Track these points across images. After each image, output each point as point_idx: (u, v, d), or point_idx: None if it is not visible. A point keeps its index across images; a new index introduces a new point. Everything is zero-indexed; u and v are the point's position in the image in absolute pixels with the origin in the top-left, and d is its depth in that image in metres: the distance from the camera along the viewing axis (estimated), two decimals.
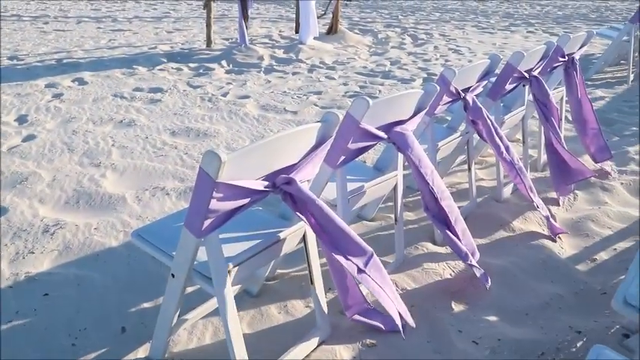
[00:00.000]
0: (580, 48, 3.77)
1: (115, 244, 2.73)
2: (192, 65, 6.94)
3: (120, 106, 5.12)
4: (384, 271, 1.87)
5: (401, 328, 1.94)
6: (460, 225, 2.39)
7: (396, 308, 1.93)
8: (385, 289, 1.88)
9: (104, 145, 4.08)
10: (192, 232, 1.50)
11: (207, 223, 1.46)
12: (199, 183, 1.39)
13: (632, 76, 6.45)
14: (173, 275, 1.67)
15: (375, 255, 1.83)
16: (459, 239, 2.37)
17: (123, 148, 4.05)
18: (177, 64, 6.98)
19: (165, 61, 7.19)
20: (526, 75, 3.16)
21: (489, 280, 2.39)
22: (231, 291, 1.63)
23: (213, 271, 1.58)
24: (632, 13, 6.50)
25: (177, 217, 1.98)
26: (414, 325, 2.05)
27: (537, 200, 2.93)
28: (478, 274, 2.36)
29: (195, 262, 1.65)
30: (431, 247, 2.73)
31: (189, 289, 2.32)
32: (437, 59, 7.68)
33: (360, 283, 1.81)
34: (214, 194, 1.39)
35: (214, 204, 1.41)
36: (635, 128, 4.71)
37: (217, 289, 1.59)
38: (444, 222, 2.37)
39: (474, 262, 2.36)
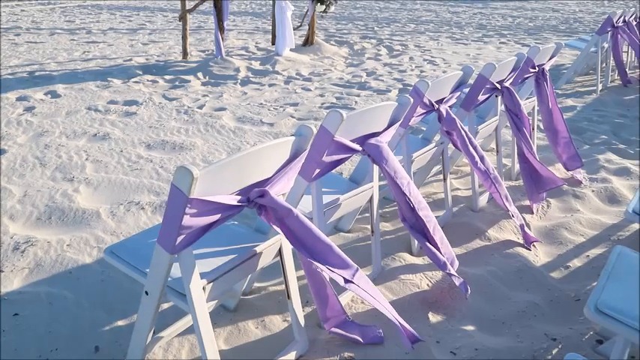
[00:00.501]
0: (550, 59, 3.86)
1: (89, 261, 2.68)
2: (167, 77, 6.89)
3: (94, 119, 5.05)
4: (370, 283, 1.87)
5: (408, 341, 1.95)
6: (438, 234, 2.40)
7: (395, 317, 1.93)
8: (379, 298, 1.89)
9: (78, 160, 4.02)
10: (166, 248, 1.48)
11: (180, 239, 1.45)
12: (172, 199, 1.38)
13: (600, 86, 6.61)
14: (147, 293, 1.64)
15: (359, 269, 1.82)
16: (438, 248, 2.39)
17: (97, 162, 3.99)
18: (153, 77, 6.93)
19: (141, 73, 7.13)
20: (498, 86, 3.22)
21: (469, 289, 2.41)
22: (206, 307, 1.61)
23: (187, 288, 1.56)
24: (599, 25, 6.67)
25: (151, 232, 1.96)
26: (413, 332, 2.05)
27: (513, 209, 2.97)
28: (457, 283, 2.37)
29: (169, 279, 1.63)
30: (408, 257, 2.74)
31: (165, 306, 2.29)
32: (412, 70, 7.76)
33: (349, 290, 1.80)
34: (187, 210, 1.38)
35: (187, 220, 1.40)
36: (604, 136, 4.82)
37: (192, 306, 1.57)
38: (422, 232, 2.38)
39: (452, 272, 2.38)
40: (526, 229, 2.96)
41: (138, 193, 3.48)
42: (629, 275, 1.87)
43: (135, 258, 1.77)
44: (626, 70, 7.13)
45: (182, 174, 1.33)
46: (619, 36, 6.75)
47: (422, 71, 7.69)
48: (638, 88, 6.82)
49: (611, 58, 6.87)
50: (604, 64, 6.92)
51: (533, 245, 2.91)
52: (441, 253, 2.39)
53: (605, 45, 6.83)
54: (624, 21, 6.87)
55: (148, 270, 1.63)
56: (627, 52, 7.53)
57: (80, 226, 3.03)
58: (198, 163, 4.03)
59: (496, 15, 16.10)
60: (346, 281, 1.77)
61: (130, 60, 7.98)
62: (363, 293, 1.81)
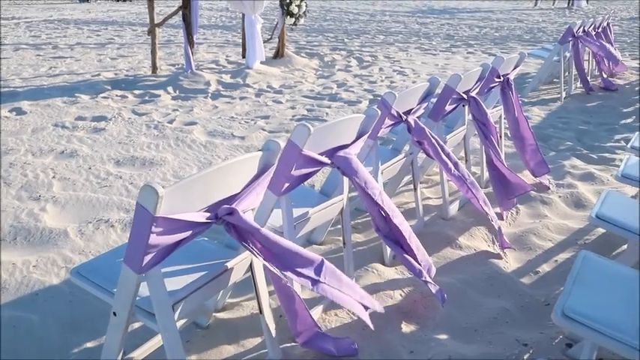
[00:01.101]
0: (514, 69, 3.95)
1: (56, 282, 2.62)
2: (137, 92, 6.82)
3: (61, 136, 4.96)
4: (338, 272, 1.88)
5: (370, 324, 1.98)
6: (414, 242, 2.42)
7: (360, 303, 1.95)
8: (344, 290, 1.89)
9: (44, 178, 3.93)
10: (132, 268, 1.46)
11: (147, 258, 1.43)
12: (137, 218, 1.36)
13: (564, 94, 6.79)
14: (114, 313, 1.61)
15: (325, 260, 1.84)
16: (414, 256, 2.40)
17: (64, 179, 3.91)
18: (122, 92, 6.85)
19: (110, 88, 7.04)
20: (464, 96, 3.28)
21: (445, 296, 2.42)
22: (175, 327, 1.59)
23: (156, 307, 1.53)
24: (562, 35, 6.86)
25: (118, 252, 1.92)
26: (382, 311, 2.08)
27: (492, 213, 3.01)
28: (434, 291, 2.39)
29: (137, 298, 1.60)
30: (381, 268, 2.75)
31: (136, 325, 2.25)
32: (382, 81, 7.85)
33: (319, 293, 1.81)
34: (153, 229, 1.36)
35: (154, 239, 1.38)
36: (569, 143, 4.94)
37: (161, 325, 1.55)
38: (397, 241, 2.39)
39: (428, 279, 2.39)
40: (502, 233, 3.01)
41: (107, 210, 3.42)
42: (594, 279, 1.92)
43: (102, 278, 1.73)
44: (588, 78, 7.34)
45: (147, 192, 1.32)
46: (580, 45, 6.96)
47: (392, 82, 7.78)
48: (600, 95, 7.03)
49: (573, 66, 7.07)
50: (567, 73, 7.12)
51: (504, 252, 2.96)
52: (417, 261, 2.41)
53: (568, 54, 7.03)
54: (584, 31, 7.08)
55: (115, 290, 1.60)
56: (588, 60, 7.76)
57: (47, 246, 2.96)
58: (169, 178, 3.99)
59: (463, 25, 16.42)
60: (315, 283, 1.78)
61: (99, 75, 7.87)
62: (331, 291, 1.82)
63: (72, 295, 2.50)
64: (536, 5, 26.14)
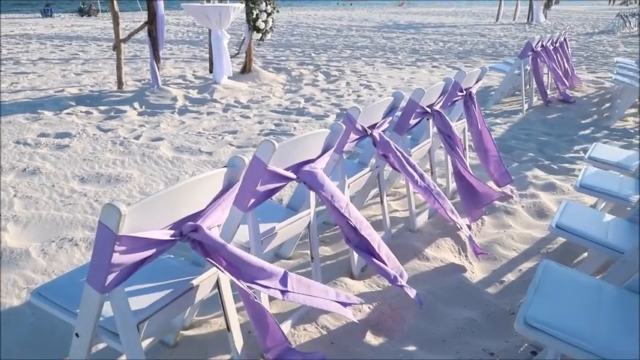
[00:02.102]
0: (476, 82, 4.05)
1: (17, 304, 2.55)
2: (102, 108, 6.72)
3: (23, 153, 4.84)
4: (305, 279, 1.90)
5: (353, 318, 2.04)
6: (384, 250, 2.45)
7: (337, 301, 1.96)
8: (315, 293, 1.91)
9: (5, 196, 3.83)
10: (95, 287, 1.44)
11: (110, 277, 1.41)
12: (99, 237, 1.34)
13: (525, 106, 6.98)
14: (77, 335, 1.58)
15: (288, 272, 1.87)
16: (385, 264, 2.43)
17: (26, 198, 3.82)
18: (87, 107, 6.73)
19: (74, 104, 6.91)
20: (428, 110, 3.35)
21: (422, 300, 2.45)
22: (140, 347, 1.56)
23: (120, 327, 1.51)
24: (522, 49, 7.08)
25: (81, 271, 1.89)
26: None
27: (460, 221, 3.06)
28: (412, 295, 2.42)
29: (101, 319, 1.57)
30: (349, 281, 2.76)
31: (101, 346, 2.20)
32: (349, 95, 7.93)
33: (292, 301, 1.82)
34: (116, 247, 1.34)
35: (117, 258, 1.36)
36: (531, 154, 5.08)
37: (125, 345, 1.52)
38: (367, 250, 2.42)
39: (403, 283, 2.42)
40: (473, 240, 3.07)
41: (71, 229, 3.35)
42: (555, 288, 1.97)
43: (64, 299, 1.70)
44: (547, 91, 7.58)
45: (109, 211, 1.30)
46: (538, 59, 7.19)
47: (359, 96, 7.86)
48: (560, 107, 7.25)
49: (533, 80, 7.30)
50: (527, 86, 7.33)
51: (470, 262, 3.01)
52: (388, 267, 2.44)
53: (528, 67, 7.25)
54: (542, 46, 7.32)
55: (78, 311, 1.57)
56: (547, 74, 8.01)
57: (8, 267, 2.87)
58: (135, 195, 3.93)
59: (428, 40, 16.75)
60: (284, 293, 1.80)
61: (62, 91, 7.73)
62: (302, 297, 1.84)
63: (34, 316, 2.44)
64: (497, 21, 26.89)
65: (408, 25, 23.37)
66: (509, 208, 3.71)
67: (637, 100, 6.78)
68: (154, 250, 1.48)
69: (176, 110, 6.73)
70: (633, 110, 6.87)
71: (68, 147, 5.05)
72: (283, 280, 1.80)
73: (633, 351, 1.62)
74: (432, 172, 3.70)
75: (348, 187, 2.81)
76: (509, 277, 2.90)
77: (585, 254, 2.98)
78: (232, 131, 5.78)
